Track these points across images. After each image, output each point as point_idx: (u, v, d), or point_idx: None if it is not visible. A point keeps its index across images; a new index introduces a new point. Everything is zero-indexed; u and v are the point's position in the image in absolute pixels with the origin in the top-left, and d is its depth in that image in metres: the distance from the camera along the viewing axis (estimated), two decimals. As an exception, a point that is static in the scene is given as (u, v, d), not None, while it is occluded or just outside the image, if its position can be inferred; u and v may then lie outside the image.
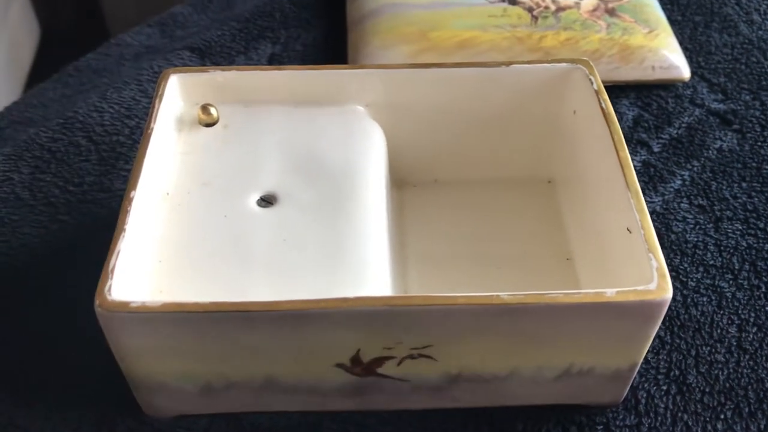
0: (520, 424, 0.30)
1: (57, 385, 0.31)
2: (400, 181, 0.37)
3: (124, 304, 0.25)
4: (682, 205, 0.37)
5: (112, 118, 0.41)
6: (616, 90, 0.43)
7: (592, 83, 0.33)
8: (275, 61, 0.45)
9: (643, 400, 0.30)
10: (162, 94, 0.32)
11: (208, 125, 0.33)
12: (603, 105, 0.31)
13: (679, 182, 0.38)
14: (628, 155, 0.30)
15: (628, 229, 0.28)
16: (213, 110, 0.33)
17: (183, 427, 0.30)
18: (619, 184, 0.29)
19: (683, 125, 0.41)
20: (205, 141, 0.33)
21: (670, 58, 0.43)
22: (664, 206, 0.37)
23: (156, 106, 0.32)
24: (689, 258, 0.35)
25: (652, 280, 0.26)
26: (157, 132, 0.31)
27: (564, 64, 0.33)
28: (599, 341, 0.27)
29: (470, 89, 0.34)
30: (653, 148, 0.40)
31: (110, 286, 0.26)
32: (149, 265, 0.28)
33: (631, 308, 0.25)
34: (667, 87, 0.43)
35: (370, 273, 0.28)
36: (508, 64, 0.34)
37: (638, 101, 0.42)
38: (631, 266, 0.28)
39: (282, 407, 0.30)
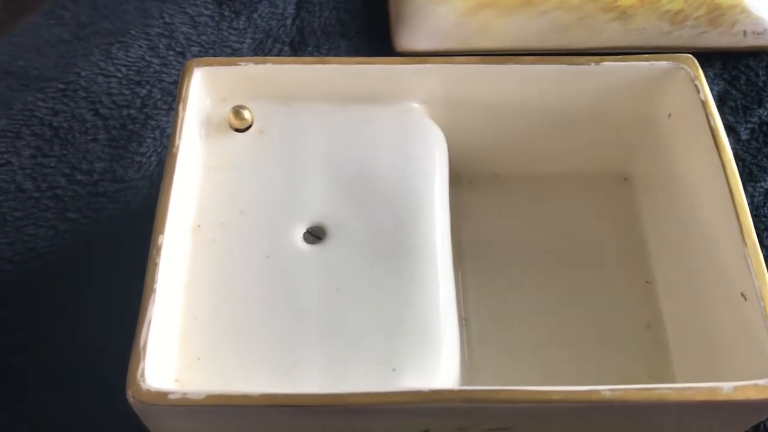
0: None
1: None
2: (455, 177, 0.32)
3: (162, 395, 0.22)
4: (774, 211, 0.33)
5: (119, 84, 0.36)
6: (700, 58, 0.37)
7: (698, 90, 0.27)
8: (304, 8, 0.39)
9: (729, 456, 0.28)
10: (186, 97, 0.27)
11: (241, 130, 0.28)
12: (711, 122, 0.27)
13: (770, 181, 0.34)
14: (744, 196, 0.25)
15: (742, 295, 0.24)
16: (247, 113, 0.28)
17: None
18: (731, 233, 0.25)
19: (775, 105, 0.36)
20: (238, 151, 0.28)
21: (766, 22, 0.37)
22: (753, 212, 0.33)
23: (180, 113, 0.27)
24: (781, 279, 0.31)
25: (775, 371, 0.22)
26: (184, 148, 0.26)
27: (664, 63, 0.28)
28: (699, 425, 0.24)
29: (549, 87, 0.29)
30: (741, 135, 0.35)
31: (143, 370, 0.22)
32: (184, 323, 0.24)
33: (748, 406, 0.22)
34: (757, 55, 0.37)
35: (438, 340, 0.24)
36: (598, 61, 0.28)
37: (725, 73, 0.37)
38: (741, 336, 0.24)
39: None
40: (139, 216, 0.32)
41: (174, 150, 0.26)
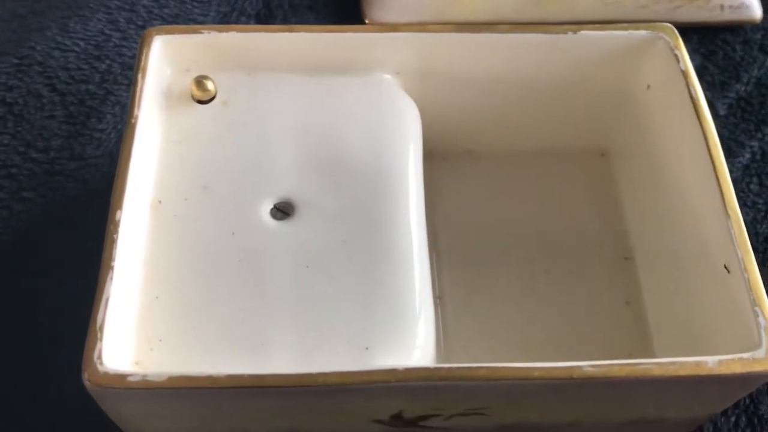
0: (574, 462, 0.26)
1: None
2: (428, 152, 0.31)
3: (120, 378, 0.20)
4: (751, 186, 0.32)
5: (77, 59, 0.34)
6: (677, 32, 0.36)
7: (678, 60, 0.27)
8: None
9: (710, 435, 0.27)
10: (145, 65, 0.26)
11: (204, 102, 0.27)
12: (692, 92, 0.26)
13: (748, 156, 0.33)
14: (726, 167, 0.24)
15: (725, 267, 0.23)
16: (210, 84, 0.26)
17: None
18: (713, 205, 0.24)
19: (752, 80, 0.35)
20: (200, 124, 0.26)
21: (743, -5, 0.36)
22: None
23: (139, 83, 0.25)
24: (761, 255, 0.30)
25: (760, 345, 0.21)
26: (143, 120, 0.25)
27: (643, 32, 0.27)
28: (681, 401, 0.23)
29: (525, 57, 0.28)
30: (718, 111, 0.34)
31: (100, 351, 0.21)
32: (144, 303, 0.23)
33: (733, 380, 0.21)
34: (734, 30, 0.37)
35: (413, 318, 0.23)
36: (576, 30, 0.27)
37: (701, 48, 0.36)
38: (724, 310, 0.23)
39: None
40: (99, 194, 0.30)
41: (132, 121, 0.25)
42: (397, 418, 0.23)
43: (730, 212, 0.23)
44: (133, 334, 0.22)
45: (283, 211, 0.25)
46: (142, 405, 0.21)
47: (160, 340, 0.23)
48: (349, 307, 0.23)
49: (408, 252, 0.24)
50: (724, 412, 0.27)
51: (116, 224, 0.23)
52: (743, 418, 0.27)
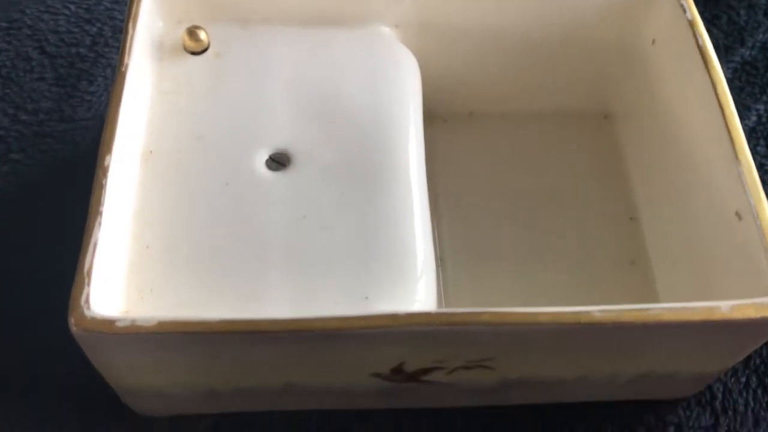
0: (580, 424, 0.26)
1: (19, 377, 0.25)
2: (428, 114, 0.30)
3: (108, 323, 0.19)
4: (758, 148, 0.31)
5: (68, 22, 0.33)
6: (680, -3, 0.36)
7: (684, 10, 0.26)
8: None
9: (720, 395, 0.26)
10: (136, 15, 0.25)
11: (197, 53, 0.26)
12: (699, 42, 0.25)
13: (754, 119, 0.32)
14: (736, 114, 0.24)
15: (737, 214, 0.22)
16: (202, 34, 0.26)
17: (182, 428, 0.25)
18: (724, 152, 0.23)
19: (757, 44, 0.34)
20: (193, 76, 0.25)
21: (747, -42, 0.36)
22: (738, 149, 0.31)
23: (130, 31, 0.24)
24: None
25: (774, 289, 0.21)
26: (134, 68, 0.24)
27: (648, -18, 0.27)
28: (692, 353, 0.22)
29: (527, 10, 0.27)
30: (724, 75, 0.33)
31: (87, 295, 0.20)
32: (134, 253, 0.22)
33: (746, 325, 0.20)
34: (738, -7, 0.36)
35: (413, 267, 0.22)
36: (579, -20, 0.27)
37: (706, 12, 0.35)
38: (734, 260, 0.22)
39: (300, 406, 0.25)
40: (90, 156, 0.29)
41: (123, 69, 0.24)
42: (398, 372, 0.22)
43: (740, 158, 0.23)
44: (122, 283, 0.22)
45: (279, 162, 0.24)
46: (130, 353, 0.20)
47: (151, 290, 0.22)
48: (347, 257, 0.22)
49: (408, 202, 0.23)
50: (734, 373, 0.27)
51: (105, 170, 0.22)
52: (753, 379, 0.26)
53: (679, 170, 0.26)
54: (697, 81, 0.25)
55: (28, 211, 0.29)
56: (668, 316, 0.20)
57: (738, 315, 0.20)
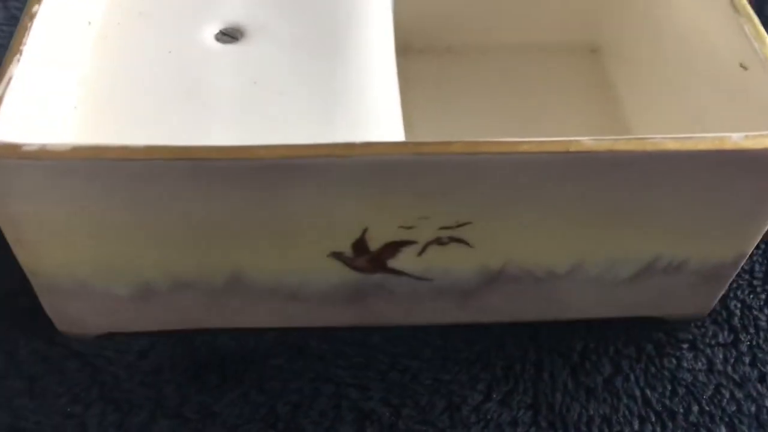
0: (578, 341, 0.22)
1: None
2: (403, 46, 0.28)
3: (14, 148, 0.16)
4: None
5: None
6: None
7: None
8: None
9: (738, 312, 0.23)
10: None
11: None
12: None
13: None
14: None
15: (741, 65, 0.20)
16: None
17: (111, 349, 0.22)
18: (721, 7, 0.21)
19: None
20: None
21: None
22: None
23: None
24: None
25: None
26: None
27: None
28: (704, 215, 0.19)
29: None
30: None
31: (-7, 122, 0.17)
32: (59, 111, 0.19)
33: (760, 159, 0.18)
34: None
35: (377, 120, 0.20)
36: None
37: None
38: (742, 117, 0.20)
39: (250, 322, 0.22)
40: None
41: (62, -63, 0.22)
42: (361, 249, 0.19)
43: (740, 9, 0.20)
44: (42, 135, 0.19)
45: (230, 35, 0.22)
46: (39, 187, 0.17)
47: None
48: (300, 116, 0.20)
49: (370, 71, 0.21)
50: (753, 290, 0.23)
51: (32, 15, 0.19)
52: (774, 294, 0.23)
53: (671, 46, 0.24)
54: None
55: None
56: (672, 146, 0.17)
57: (751, 145, 0.17)
